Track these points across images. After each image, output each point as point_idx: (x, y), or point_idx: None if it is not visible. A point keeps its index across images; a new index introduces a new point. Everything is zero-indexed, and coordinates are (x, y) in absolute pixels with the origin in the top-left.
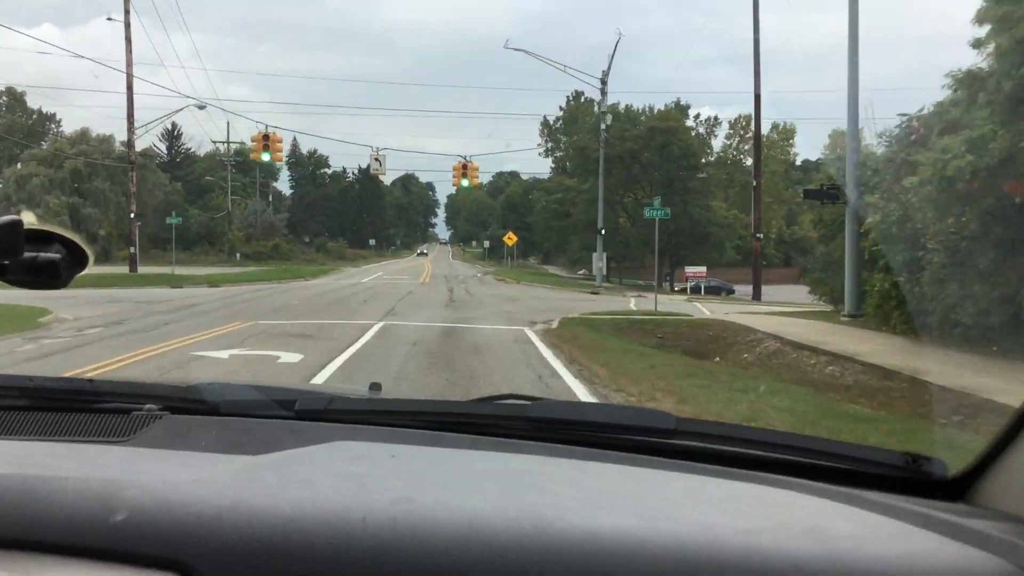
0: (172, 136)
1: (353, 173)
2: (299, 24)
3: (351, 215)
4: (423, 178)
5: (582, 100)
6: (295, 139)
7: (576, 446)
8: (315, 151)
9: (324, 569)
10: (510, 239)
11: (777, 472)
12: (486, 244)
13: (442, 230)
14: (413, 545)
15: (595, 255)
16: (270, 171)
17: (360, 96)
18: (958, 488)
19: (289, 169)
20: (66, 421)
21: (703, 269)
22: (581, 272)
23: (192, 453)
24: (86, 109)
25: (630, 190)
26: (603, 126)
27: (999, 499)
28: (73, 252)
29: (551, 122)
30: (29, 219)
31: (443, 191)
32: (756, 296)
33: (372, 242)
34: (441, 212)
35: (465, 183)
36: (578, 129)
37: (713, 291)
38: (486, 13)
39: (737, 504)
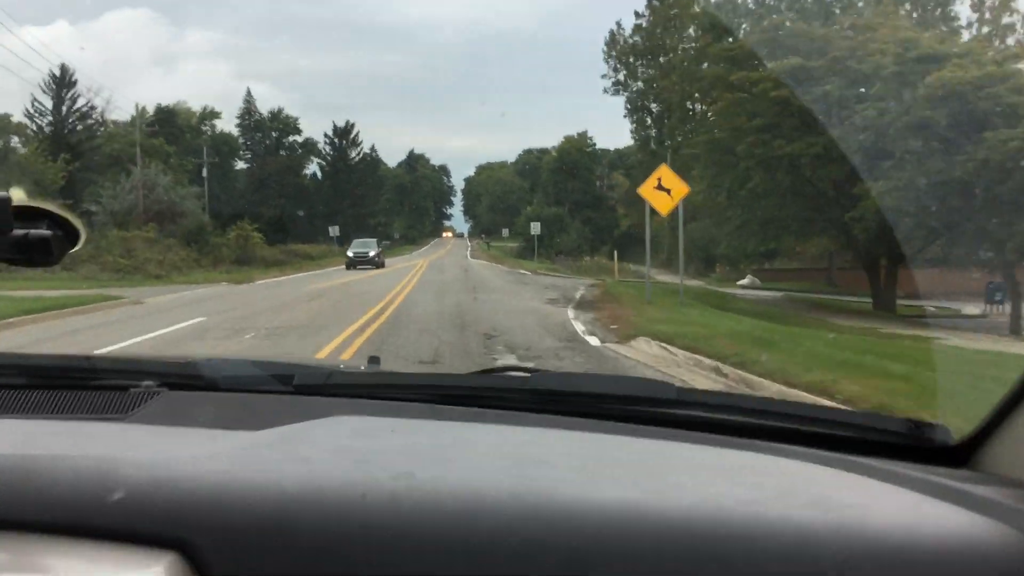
0: (61, 84)
1: (327, 136)
2: (312, 19)
3: (323, 196)
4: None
5: None
6: (248, 92)
7: (578, 417)
8: (280, 111)
9: (324, 545)
10: (665, 199)
11: (780, 441)
12: (535, 228)
13: (459, 223)
14: (414, 520)
15: None
16: (228, 143)
17: (373, 92)
18: (962, 454)
19: (242, 135)
20: (63, 399)
21: None
22: (740, 282)
23: (190, 429)
24: None
25: None
26: None
27: (1004, 465)
28: (65, 229)
29: (622, 38)
30: (18, 195)
31: (459, 174)
32: None
33: (334, 232)
34: (458, 203)
35: None
36: (672, 40)
37: None
38: (504, 7)
39: (740, 474)
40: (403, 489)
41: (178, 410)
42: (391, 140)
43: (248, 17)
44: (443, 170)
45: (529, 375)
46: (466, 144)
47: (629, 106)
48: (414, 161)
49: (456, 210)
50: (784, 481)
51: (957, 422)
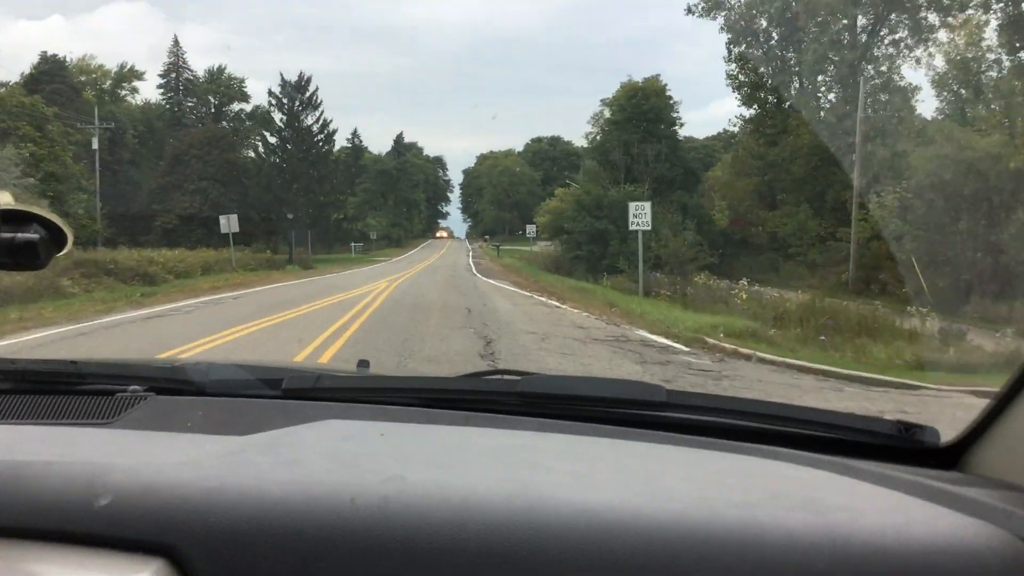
0: None
1: (271, 94)
2: (317, 19)
3: (264, 178)
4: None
5: None
6: (176, 41)
7: (568, 421)
8: (221, 69)
9: (314, 550)
10: None
11: (770, 443)
12: (640, 217)
13: (457, 225)
14: (404, 524)
15: None
16: (163, 117)
17: (370, 92)
18: (952, 456)
19: (166, 99)
20: (50, 404)
21: None
22: None
23: (178, 434)
24: None
25: None
26: None
27: (993, 467)
28: (52, 232)
29: None
30: (5, 199)
31: (457, 167)
32: None
33: (228, 227)
34: (455, 204)
35: None
36: None
37: None
38: (510, 8)
39: (731, 477)
40: (393, 493)
41: (165, 415)
42: (388, 140)
43: (246, 15)
44: (438, 162)
45: (519, 378)
46: (467, 145)
47: (729, 35)
48: (403, 148)
49: (453, 208)
50: (774, 483)
51: None
